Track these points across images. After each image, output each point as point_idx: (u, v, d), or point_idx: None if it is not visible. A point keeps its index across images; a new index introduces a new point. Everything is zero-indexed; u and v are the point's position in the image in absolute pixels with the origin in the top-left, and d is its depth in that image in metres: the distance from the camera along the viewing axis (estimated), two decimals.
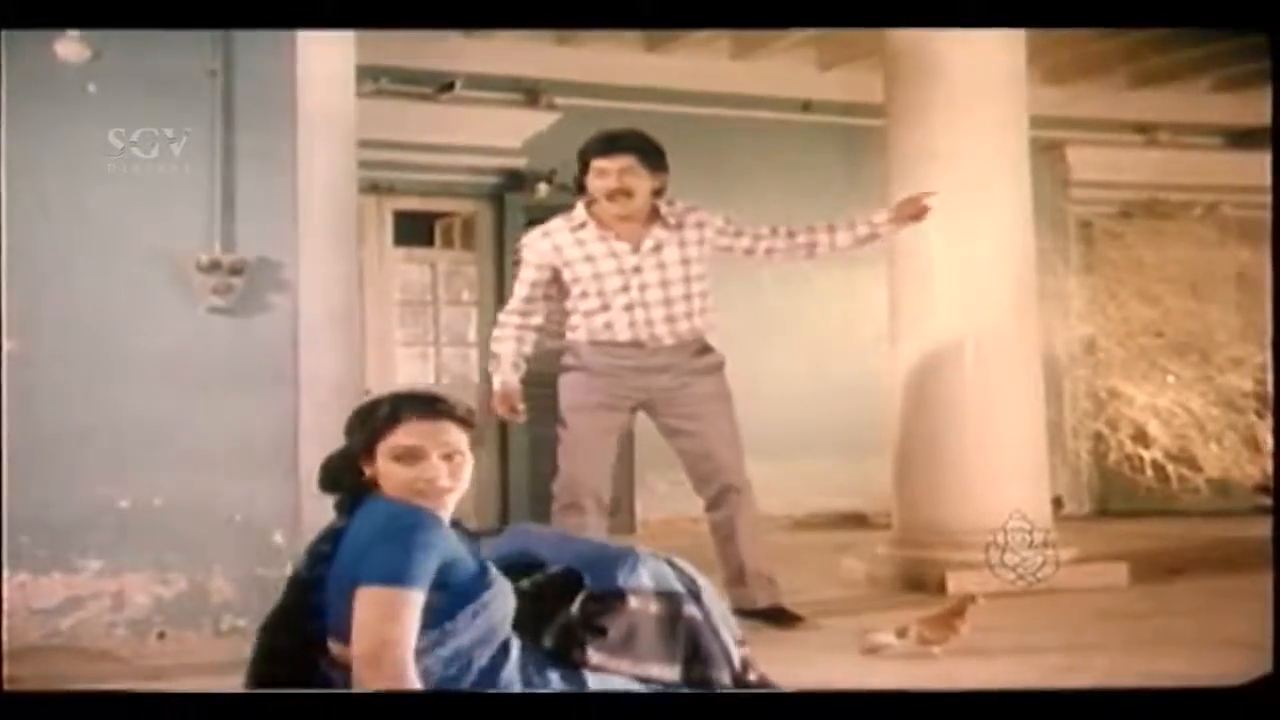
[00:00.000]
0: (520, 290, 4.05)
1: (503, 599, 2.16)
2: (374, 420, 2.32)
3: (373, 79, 6.51)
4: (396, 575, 2.03)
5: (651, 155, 3.95)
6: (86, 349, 3.99)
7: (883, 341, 5.49)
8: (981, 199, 4.99)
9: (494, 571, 2.19)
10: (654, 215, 3.97)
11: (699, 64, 7.46)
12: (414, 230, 7.55)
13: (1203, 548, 5.88)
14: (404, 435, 2.29)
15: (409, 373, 7.24)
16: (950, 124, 4.99)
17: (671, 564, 2.33)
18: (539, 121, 7.25)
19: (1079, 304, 7.92)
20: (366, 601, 2.01)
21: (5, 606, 3.82)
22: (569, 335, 4.05)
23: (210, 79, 4.26)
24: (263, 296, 4.27)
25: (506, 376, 4.02)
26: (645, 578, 2.25)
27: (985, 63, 5.01)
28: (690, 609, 2.25)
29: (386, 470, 2.28)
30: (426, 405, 2.35)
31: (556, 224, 4.02)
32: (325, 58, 4.45)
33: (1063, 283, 7.76)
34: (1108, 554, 5.21)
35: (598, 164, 3.92)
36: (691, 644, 2.21)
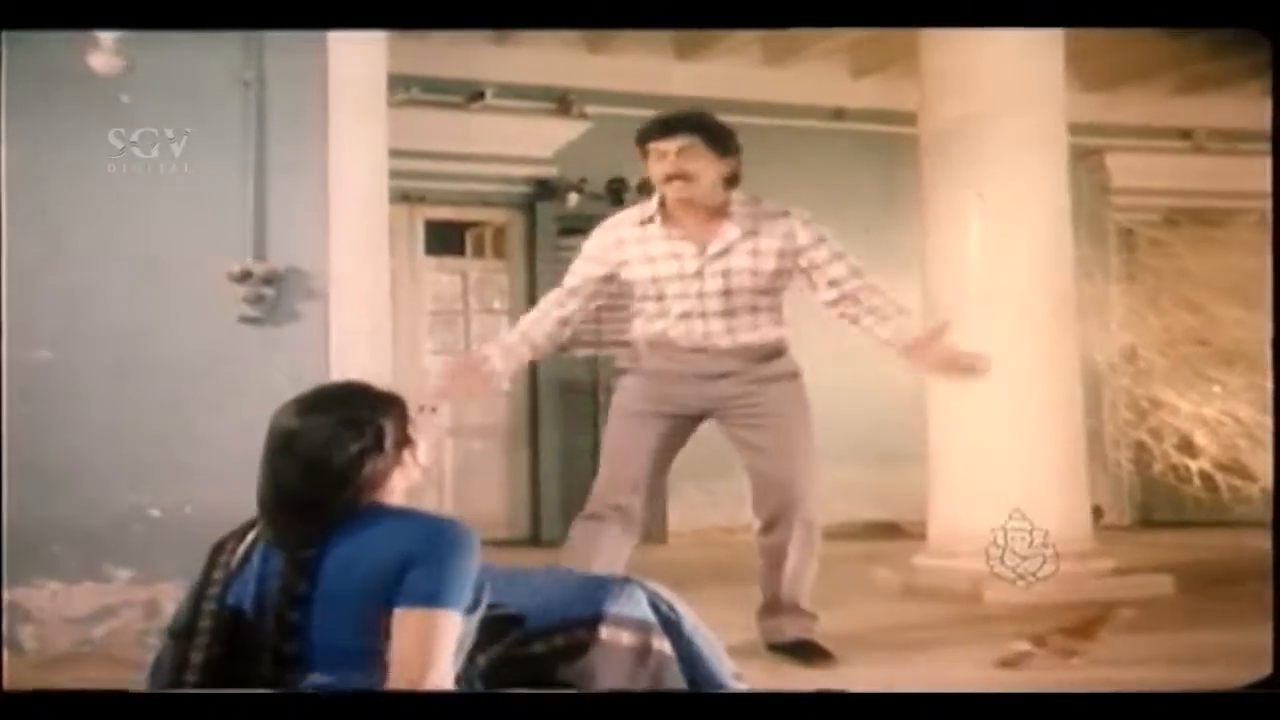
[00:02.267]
0: (569, 279, 3.64)
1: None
2: (397, 417, 2.11)
3: (404, 88, 6.52)
4: (438, 596, 1.90)
5: (717, 136, 3.48)
6: (119, 358, 4.01)
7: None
8: (1017, 206, 4.95)
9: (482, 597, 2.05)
10: (726, 211, 3.50)
11: (730, 71, 7.43)
12: (445, 239, 7.56)
13: (1256, 558, 5.79)
14: (405, 424, 2.13)
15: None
16: (985, 132, 4.95)
17: (651, 593, 2.19)
18: (570, 130, 7.25)
19: (1119, 312, 7.84)
20: (409, 624, 1.88)
21: (37, 615, 3.84)
22: (631, 335, 3.70)
23: (243, 89, 4.28)
24: (294, 306, 4.28)
25: (489, 350, 3.59)
26: (620, 607, 2.13)
27: (1021, 69, 4.98)
28: (659, 643, 2.13)
29: (395, 474, 2.09)
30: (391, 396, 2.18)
31: (627, 216, 3.62)
32: (357, 67, 4.46)
33: (1102, 291, 7.68)
34: (1152, 565, 5.15)
35: (656, 146, 3.47)
36: (656, 678, 2.11)
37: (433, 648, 1.87)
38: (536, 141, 7.24)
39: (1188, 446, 7.53)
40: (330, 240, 4.34)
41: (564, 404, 7.14)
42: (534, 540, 6.87)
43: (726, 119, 7.31)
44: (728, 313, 3.47)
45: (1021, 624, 4.11)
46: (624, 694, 1.99)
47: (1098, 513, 6.60)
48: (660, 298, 3.51)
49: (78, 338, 3.96)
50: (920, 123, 5.29)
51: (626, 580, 2.23)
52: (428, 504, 6.95)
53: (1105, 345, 7.71)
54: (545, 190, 7.22)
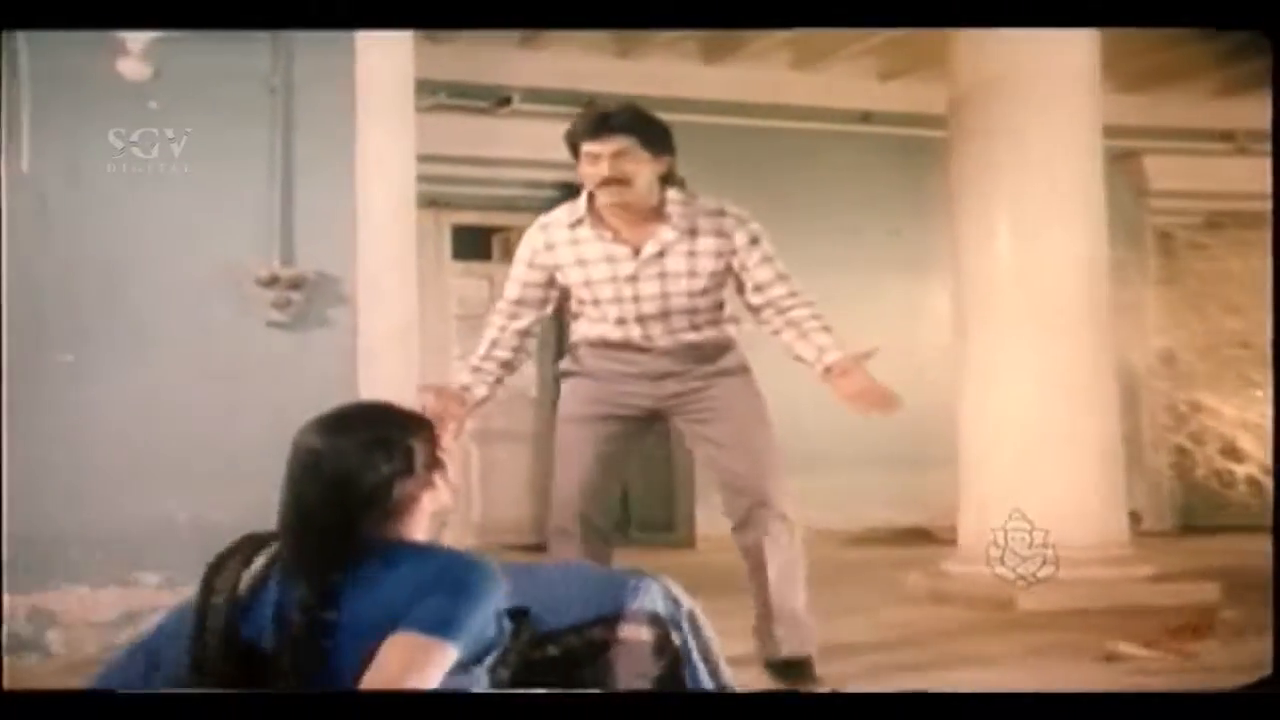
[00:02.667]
0: (509, 290, 3.44)
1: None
2: (426, 438, 2.00)
3: (431, 93, 6.52)
4: (442, 625, 1.79)
5: (652, 135, 3.23)
6: (145, 362, 4.01)
7: (944, 353, 5.41)
8: (1050, 209, 4.90)
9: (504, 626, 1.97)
10: (662, 212, 3.27)
11: (758, 75, 7.42)
12: (472, 244, 7.57)
13: None
14: (435, 445, 2.01)
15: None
16: (1015, 134, 4.91)
17: (666, 587, 2.11)
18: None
19: (1157, 316, 7.75)
20: (401, 645, 1.77)
21: (64, 619, 3.85)
22: (571, 338, 3.50)
23: (270, 95, 4.28)
24: (322, 311, 4.29)
25: (463, 379, 3.42)
26: (639, 602, 2.06)
27: (1054, 69, 4.93)
28: (677, 637, 2.06)
29: (424, 496, 1.98)
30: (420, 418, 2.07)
31: (556, 216, 3.40)
32: (384, 73, 4.46)
33: (1139, 294, 7.61)
34: (1196, 571, 5.09)
35: (588, 148, 3.22)
36: (670, 674, 2.04)
37: (415, 676, 1.74)
38: (563, 146, 7.22)
39: (1232, 451, 7.44)
40: (357, 245, 4.34)
41: None
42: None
43: (755, 123, 7.45)
44: (664, 315, 3.29)
45: (1057, 631, 4.07)
46: (628, 694, 1.94)
47: (1136, 518, 6.53)
48: (596, 302, 3.33)
49: (103, 342, 3.96)
50: (950, 125, 5.25)
51: (642, 575, 2.13)
52: (455, 508, 6.98)
53: (1142, 349, 7.63)
54: (572, 194, 7.18)
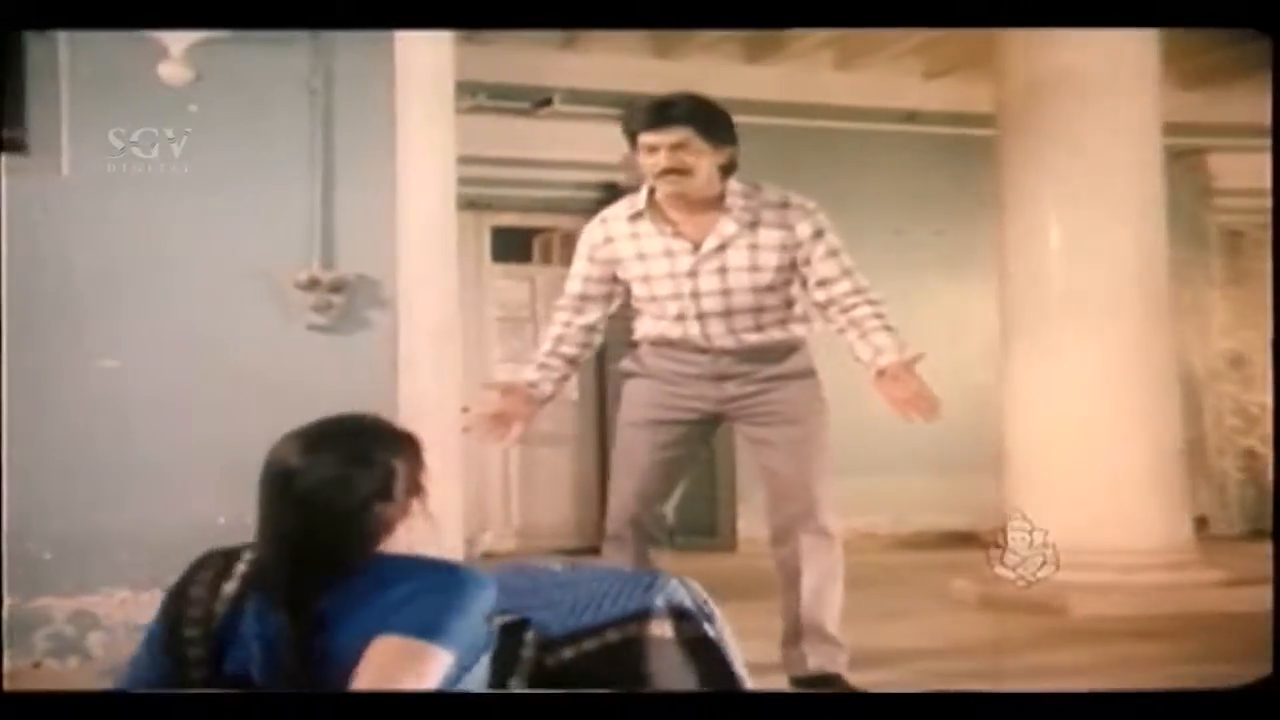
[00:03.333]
0: (571, 285, 3.37)
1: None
2: (411, 460, 1.86)
3: (471, 95, 6.52)
4: (427, 629, 1.68)
5: (712, 125, 3.12)
6: (185, 367, 4.01)
7: (989, 354, 5.34)
8: (1104, 209, 4.81)
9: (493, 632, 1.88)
10: (723, 204, 3.18)
11: (800, 75, 7.36)
12: (512, 246, 7.55)
13: None
14: (418, 468, 1.87)
15: None
16: (1068, 132, 4.82)
17: (685, 584, 2.05)
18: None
19: (1224, 317, 7.59)
20: (384, 649, 1.66)
21: (106, 622, 3.86)
22: (633, 337, 3.40)
23: (310, 97, 4.28)
24: (362, 314, 4.28)
25: (528, 375, 3.35)
26: (656, 599, 1.98)
27: (1108, 68, 4.83)
28: (710, 629, 2.00)
29: (400, 526, 1.84)
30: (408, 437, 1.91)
31: (615, 211, 3.31)
32: (424, 74, 4.45)
33: (1202, 295, 7.46)
34: (1264, 576, 4.97)
35: (646, 139, 3.12)
36: (706, 667, 1.97)
37: (399, 679, 1.63)
38: (604, 147, 7.17)
39: None
40: (398, 247, 4.33)
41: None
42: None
43: (798, 123, 7.38)
44: (726, 313, 3.18)
45: (1112, 639, 3.99)
46: (630, 695, 1.89)
47: (1202, 523, 6.40)
48: (655, 298, 3.24)
49: (145, 346, 3.97)
50: (998, 123, 5.18)
51: (658, 573, 2.09)
52: (495, 512, 6.97)
53: (1207, 351, 7.48)
54: (613, 195, 7.15)
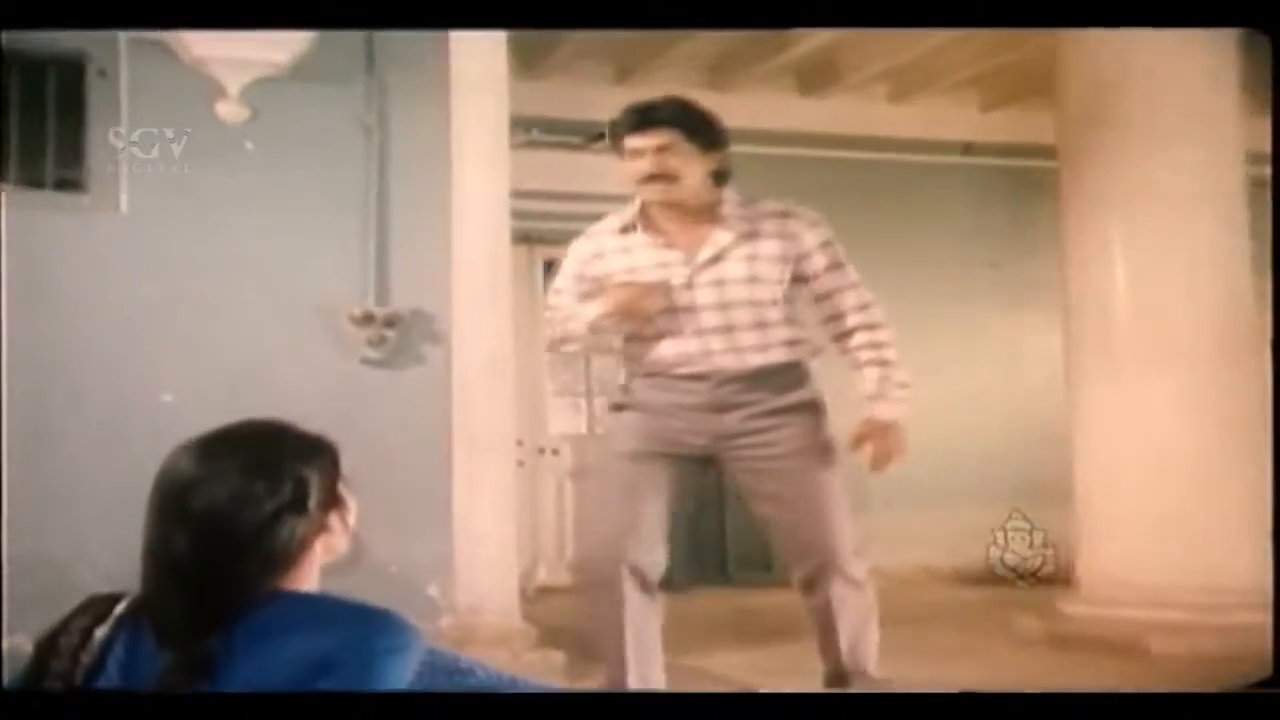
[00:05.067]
0: (565, 304, 3.10)
1: None
2: (325, 469, 1.62)
3: (524, 130, 6.54)
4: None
5: (699, 128, 2.91)
6: (242, 402, 4.00)
7: (1054, 387, 5.24)
8: (1174, 241, 4.65)
9: None
10: (718, 213, 2.95)
11: (855, 108, 7.32)
12: None
13: None
14: (334, 478, 1.64)
15: (560, 423, 7.21)
16: (1136, 160, 4.67)
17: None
18: None
19: None
20: None
21: None
22: (625, 367, 3.13)
23: (365, 134, 4.30)
24: (416, 348, 4.28)
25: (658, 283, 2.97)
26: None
27: (1180, 95, 4.67)
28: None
29: (340, 520, 1.61)
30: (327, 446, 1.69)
31: (605, 224, 3.07)
32: (478, 110, 4.46)
33: None
34: None
35: (631, 143, 2.91)
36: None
37: None
38: None
39: None
40: (452, 282, 4.33)
41: None
42: (661, 584, 6.77)
43: (853, 155, 7.34)
44: (727, 329, 2.91)
45: (1198, 679, 3.86)
46: (631, 695, 1.81)
47: None
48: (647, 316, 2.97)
49: (201, 381, 3.99)
50: (1059, 154, 5.08)
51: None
52: (549, 546, 6.93)
53: None
54: None
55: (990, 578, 7.06)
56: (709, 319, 2.92)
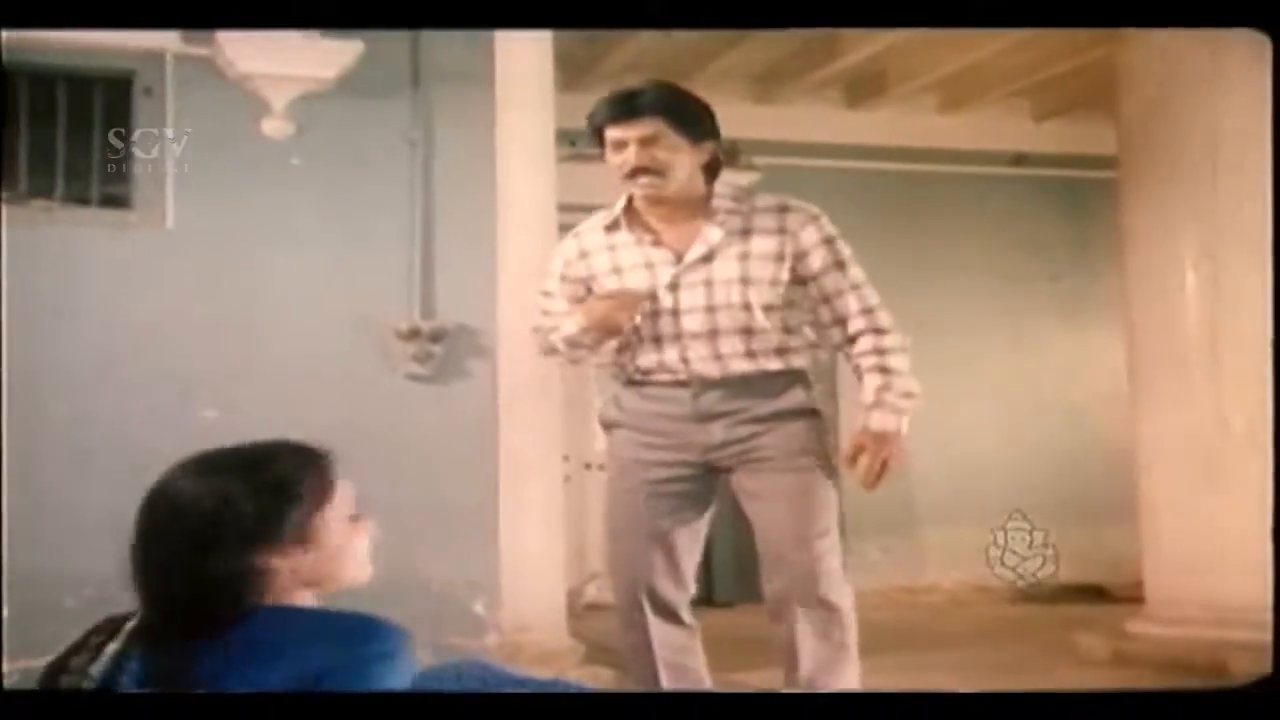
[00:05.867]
0: (555, 305, 2.85)
1: None
2: (301, 490, 1.57)
3: (570, 143, 6.52)
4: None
5: (688, 116, 2.66)
6: (286, 416, 3.98)
7: (1114, 401, 5.12)
8: (1248, 255, 4.51)
9: None
10: (709, 209, 2.70)
11: (903, 118, 7.23)
12: None
13: None
14: (348, 494, 1.62)
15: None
16: (1203, 174, 4.53)
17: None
18: (737, 181, 7.13)
19: None
20: None
21: None
22: (614, 378, 2.88)
23: (410, 149, 4.29)
24: (462, 364, 4.25)
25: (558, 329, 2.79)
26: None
27: (1245, 101, 4.54)
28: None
29: (337, 546, 1.57)
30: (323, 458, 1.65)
31: (590, 222, 2.84)
32: (524, 123, 4.44)
33: None
34: None
35: (612, 133, 2.64)
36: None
37: None
38: None
39: None
40: (498, 297, 4.30)
41: None
42: (707, 601, 6.69)
43: (901, 167, 7.26)
44: (711, 334, 2.67)
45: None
46: (633, 695, 1.76)
47: None
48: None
49: (246, 398, 3.97)
50: (1120, 165, 4.95)
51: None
52: (599, 563, 6.88)
53: None
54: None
55: (1044, 596, 6.96)
56: (692, 323, 2.68)
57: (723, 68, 6.44)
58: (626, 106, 2.63)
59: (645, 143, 2.61)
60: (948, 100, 7.22)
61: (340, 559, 1.58)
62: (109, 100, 4.10)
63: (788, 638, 2.65)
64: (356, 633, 1.46)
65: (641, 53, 6.20)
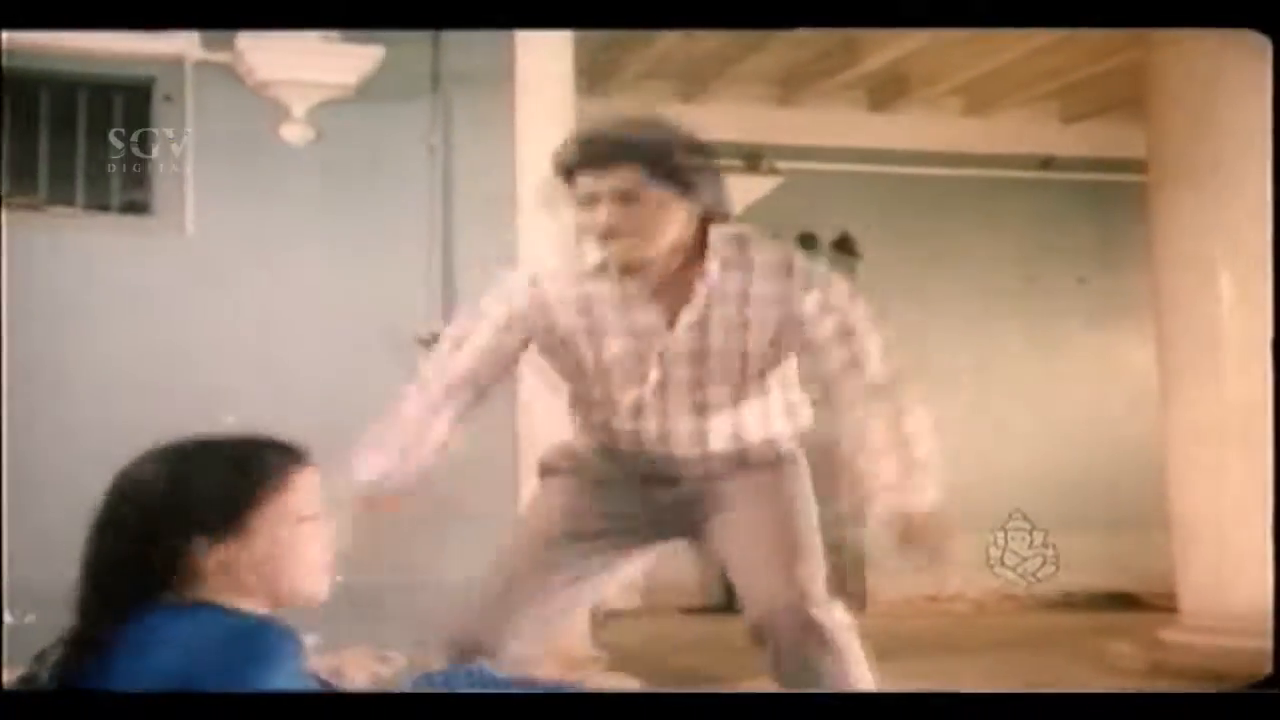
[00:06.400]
0: (458, 361, 2.40)
1: None
2: (250, 482, 1.48)
3: None
4: None
5: (668, 164, 2.15)
6: (305, 422, 3.96)
7: (1143, 406, 5.05)
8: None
9: None
10: (700, 265, 2.22)
11: (928, 122, 7.18)
12: None
13: None
14: (304, 495, 1.52)
15: None
16: (1234, 176, 4.48)
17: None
18: (760, 186, 7.09)
19: None
20: None
21: None
22: (571, 424, 2.49)
23: (430, 154, 4.28)
24: None
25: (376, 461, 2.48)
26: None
27: (1268, 113, 4.49)
28: None
29: (277, 548, 1.46)
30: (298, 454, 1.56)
31: (558, 267, 2.35)
32: (544, 129, 4.41)
33: None
34: None
35: (582, 182, 2.16)
36: None
37: None
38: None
39: None
40: None
41: None
42: (727, 607, 6.66)
43: (925, 171, 7.21)
44: (699, 409, 2.28)
45: None
46: (633, 695, 1.75)
47: None
48: (604, 382, 2.30)
49: (266, 404, 3.96)
50: (1150, 167, 4.90)
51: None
52: None
53: None
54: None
55: (1078, 604, 6.88)
56: (676, 398, 2.28)
57: (743, 72, 6.41)
58: (598, 151, 2.15)
59: (621, 199, 2.12)
60: (973, 104, 7.17)
61: (279, 563, 1.46)
62: (129, 107, 4.11)
63: (773, 660, 2.26)
64: (231, 635, 1.38)
65: (661, 59, 6.18)
